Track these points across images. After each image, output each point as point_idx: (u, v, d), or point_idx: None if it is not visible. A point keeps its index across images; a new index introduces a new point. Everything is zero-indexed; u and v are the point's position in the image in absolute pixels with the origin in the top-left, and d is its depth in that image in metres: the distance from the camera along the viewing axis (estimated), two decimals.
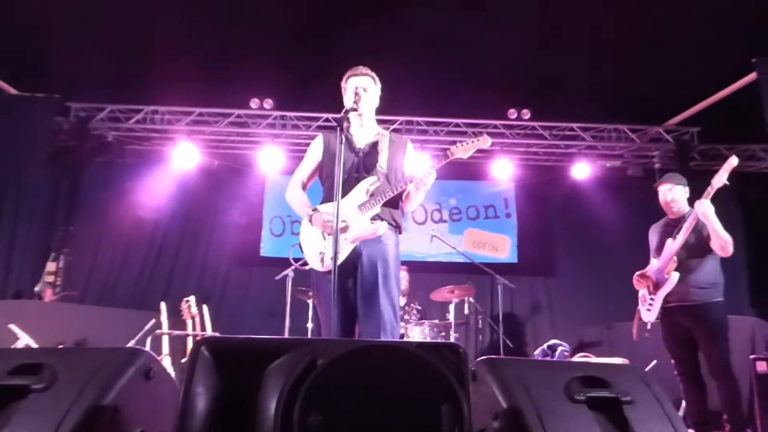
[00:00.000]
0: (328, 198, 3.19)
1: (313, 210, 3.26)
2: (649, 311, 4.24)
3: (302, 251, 3.29)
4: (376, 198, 3.18)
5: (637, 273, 4.40)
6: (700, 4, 6.00)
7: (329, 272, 3.02)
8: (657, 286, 4.20)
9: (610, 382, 1.86)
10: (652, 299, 4.22)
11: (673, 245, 4.13)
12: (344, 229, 3.13)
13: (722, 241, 3.98)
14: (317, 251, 3.18)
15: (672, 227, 4.27)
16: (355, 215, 3.17)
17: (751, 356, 4.60)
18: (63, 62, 6.94)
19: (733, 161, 3.94)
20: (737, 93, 7.27)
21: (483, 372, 1.89)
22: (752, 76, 6.55)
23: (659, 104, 8.04)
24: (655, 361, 5.50)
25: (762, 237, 8.08)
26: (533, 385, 1.82)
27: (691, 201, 4.25)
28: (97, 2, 6.22)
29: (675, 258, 4.13)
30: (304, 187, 3.48)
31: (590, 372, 1.89)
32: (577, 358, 6.45)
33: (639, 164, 9.12)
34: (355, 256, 3.17)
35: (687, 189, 4.37)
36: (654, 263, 4.36)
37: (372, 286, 3.13)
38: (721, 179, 3.94)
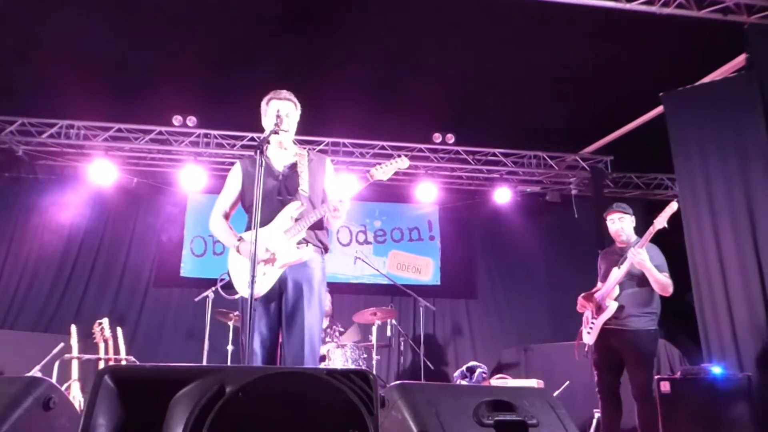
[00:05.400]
0: (252, 225, 3.17)
1: (239, 239, 3.24)
2: (589, 334, 4.40)
3: (231, 279, 3.26)
4: (300, 223, 3.19)
5: (583, 294, 4.54)
6: (612, 42, 6.35)
7: (257, 299, 3.08)
8: (599, 310, 4.34)
9: (516, 405, 1.92)
10: (593, 323, 4.37)
11: (617, 274, 4.27)
12: (271, 260, 3.13)
13: (661, 285, 4.21)
14: (247, 280, 3.14)
15: (619, 255, 4.42)
16: (282, 242, 3.16)
17: (656, 376, 4.82)
18: None
19: (674, 206, 4.22)
20: (647, 124, 7.68)
21: (395, 397, 1.91)
22: (660, 108, 6.93)
23: (576, 133, 8.39)
24: (567, 382, 5.69)
25: (668, 261, 8.49)
26: (443, 409, 1.85)
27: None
28: (10, 7, 5.94)
29: (617, 286, 4.28)
30: (227, 216, 3.45)
31: (498, 396, 1.94)
32: (494, 380, 6.59)
33: (556, 190, 9.48)
34: (281, 282, 3.17)
35: (633, 218, 4.54)
36: (600, 287, 4.55)
37: (296, 310, 3.14)
38: (662, 222, 4.17)
